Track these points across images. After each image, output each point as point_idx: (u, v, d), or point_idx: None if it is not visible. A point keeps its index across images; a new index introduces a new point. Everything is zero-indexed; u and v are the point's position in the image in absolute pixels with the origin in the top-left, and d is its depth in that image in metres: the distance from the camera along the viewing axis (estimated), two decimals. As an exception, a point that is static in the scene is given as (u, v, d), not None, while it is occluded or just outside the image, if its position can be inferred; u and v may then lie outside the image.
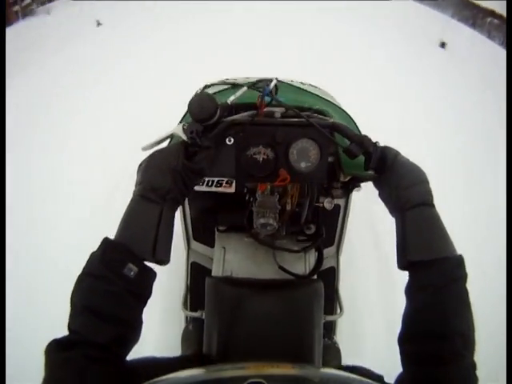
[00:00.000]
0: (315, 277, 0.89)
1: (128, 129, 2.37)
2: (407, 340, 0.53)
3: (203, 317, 0.89)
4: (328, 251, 1.10)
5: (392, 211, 0.60)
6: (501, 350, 1.21)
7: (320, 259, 0.90)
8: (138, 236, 0.51)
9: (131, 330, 0.49)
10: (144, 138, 0.66)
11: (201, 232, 1.11)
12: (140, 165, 0.58)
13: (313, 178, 0.70)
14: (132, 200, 0.54)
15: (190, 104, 0.58)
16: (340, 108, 0.94)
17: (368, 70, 3.60)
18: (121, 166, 1.94)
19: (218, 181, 0.74)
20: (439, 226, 0.56)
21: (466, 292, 0.53)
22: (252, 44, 4.11)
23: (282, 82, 0.93)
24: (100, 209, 1.81)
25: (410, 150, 0.72)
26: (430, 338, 0.50)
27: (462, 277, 0.53)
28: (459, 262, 0.54)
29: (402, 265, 0.56)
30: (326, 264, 1.07)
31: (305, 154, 0.67)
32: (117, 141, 2.29)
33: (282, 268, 0.85)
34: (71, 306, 0.47)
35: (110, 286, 0.47)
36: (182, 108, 0.81)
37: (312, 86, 1.21)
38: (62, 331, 0.45)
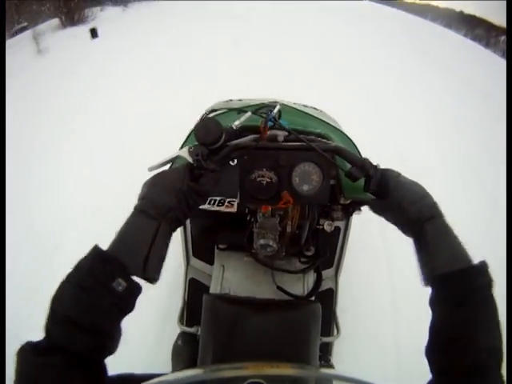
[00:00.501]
0: (313, 298, 0.90)
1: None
2: (433, 351, 0.54)
3: (198, 333, 0.91)
4: (327, 273, 1.11)
5: (406, 230, 0.61)
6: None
7: (318, 281, 0.91)
8: (131, 250, 0.52)
9: (111, 340, 0.49)
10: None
11: (201, 249, 1.13)
12: (145, 183, 0.59)
13: (315, 201, 0.73)
14: (131, 214, 0.55)
15: (196, 128, 0.60)
16: (341, 131, 0.97)
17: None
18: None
19: (221, 200, 0.77)
20: (455, 236, 0.58)
21: (492, 300, 0.54)
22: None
23: (286, 106, 0.97)
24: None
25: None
26: (456, 351, 0.51)
27: (488, 284, 0.54)
28: (483, 268, 0.55)
29: (428, 280, 0.57)
30: (325, 285, 1.09)
31: (307, 177, 0.69)
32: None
33: (280, 288, 0.87)
34: (51, 310, 0.47)
35: (97, 300, 0.47)
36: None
37: (314, 108, 1.25)
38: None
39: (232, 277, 0.92)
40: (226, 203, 0.79)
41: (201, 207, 0.74)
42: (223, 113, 0.92)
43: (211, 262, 1.00)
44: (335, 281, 1.14)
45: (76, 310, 0.47)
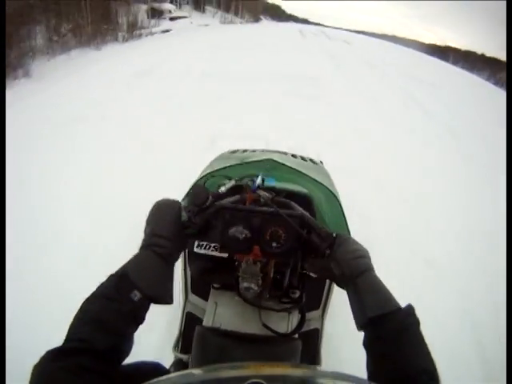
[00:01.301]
0: (297, 336, 0.97)
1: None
2: None
3: (189, 360, 1.00)
4: (313, 314, 1.19)
5: (342, 282, 0.73)
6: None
7: (302, 320, 0.99)
8: (145, 279, 0.65)
9: (126, 343, 0.60)
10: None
11: (198, 287, 1.26)
12: (150, 218, 0.76)
13: (280, 257, 0.85)
14: (141, 248, 0.72)
15: (190, 192, 0.80)
16: (328, 189, 1.11)
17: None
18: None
19: (215, 246, 0.91)
20: (384, 286, 0.68)
21: (421, 335, 0.61)
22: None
23: (278, 163, 1.13)
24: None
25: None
26: (397, 382, 0.56)
27: (415, 322, 0.62)
28: (410, 310, 0.63)
29: (361, 324, 0.66)
30: (311, 325, 1.16)
31: (275, 237, 0.82)
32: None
33: (265, 325, 0.95)
34: (76, 320, 0.58)
35: (119, 307, 0.60)
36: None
37: (312, 161, 1.39)
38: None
39: (223, 313, 1.02)
40: (219, 249, 0.92)
41: (199, 252, 0.91)
42: (218, 174, 1.10)
43: (207, 299, 1.11)
44: (321, 321, 1.20)
45: (101, 313, 0.58)
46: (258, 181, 0.89)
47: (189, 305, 1.28)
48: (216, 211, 0.82)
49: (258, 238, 0.83)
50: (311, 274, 0.92)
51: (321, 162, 2.00)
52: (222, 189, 0.86)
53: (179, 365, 1.11)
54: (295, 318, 1.01)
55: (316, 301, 1.20)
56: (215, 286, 1.09)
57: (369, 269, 0.71)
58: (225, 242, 0.84)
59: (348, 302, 0.70)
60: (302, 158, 1.55)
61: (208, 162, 1.53)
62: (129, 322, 0.61)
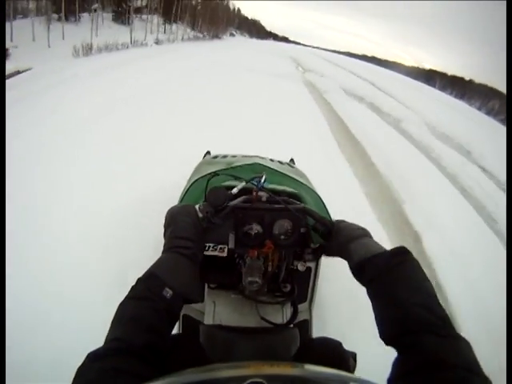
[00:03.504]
0: (292, 326, 1.13)
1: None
2: (383, 333, 0.65)
3: None
4: (302, 306, 1.36)
5: (340, 254, 0.87)
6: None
7: (295, 311, 1.15)
8: (170, 274, 0.71)
9: (163, 341, 0.62)
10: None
11: None
12: (169, 220, 0.85)
13: (288, 247, 1.05)
14: (165, 250, 0.78)
15: (209, 193, 0.91)
16: (311, 189, 1.34)
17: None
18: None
19: (214, 246, 1.03)
20: (375, 243, 0.81)
21: (415, 273, 0.68)
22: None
23: (266, 167, 1.35)
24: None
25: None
26: (397, 321, 0.62)
27: (406, 261, 0.70)
28: (399, 251, 0.72)
29: (354, 271, 0.78)
30: (301, 317, 1.32)
31: (283, 229, 1.03)
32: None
33: (263, 318, 1.11)
34: (112, 322, 0.62)
35: (152, 303, 0.64)
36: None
37: (289, 165, 1.71)
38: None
39: (222, 311, 1.17)
40: (218, 249, 1.04)
41: (208, 254, 1.01)
42: (224, 174, 1.21)
43: (201, 300, 1.24)
44: (309, 313, 1.38)
45: (137, 313, 0.63)
46: (263, 180, 1.02)
47: (184, 307, 1.41)
48: (231, 211, 0.96)
49: (269, 233, 1.02)
50: (299, 269, 1.11)
51: (291, 161, 2.25)
52: (235, 190, 0.97)
53: None
54: (288, 309, 1.20)
55: (303, 294, 1.38)
56: (211, 286, 1.23)
57: (364, 235, 0.84)
58: (239, 239, 1.02)
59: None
60: (280, 162, 1.78)
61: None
62: (163, 319, 0.65)
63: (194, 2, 30.47)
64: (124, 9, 20.36)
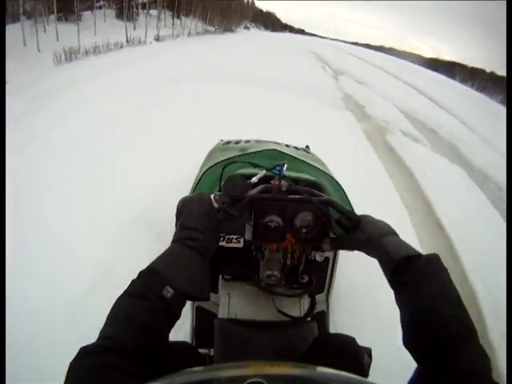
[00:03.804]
0: (309, 319, 1.10)
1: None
2: (409, 340, 0.64)
3: (211, 353, 1.09)
4: (319, 297, 1.33)
5: (369, 247, 0.82)
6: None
7: (312, 304, 1.12)
8: (174, 270, 0.66)
9: (159, 343, 0.59)
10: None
11: None
12: (182, 209, 0.79)
13: (311, 241, 1.00)
14: (174, 242, 0.72)
15: (226, 183, 0.83)
16: (331, 177, 1.28)
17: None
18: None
19: (229, 237, 1.01)
20: (408, 244, 0.76)
21: (447, 283, 0.66)
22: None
23: (284, 154, 1.28)
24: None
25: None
26: (428, 329, 0.61)
27: (440, 270, 0.68)
28: (434, 258, 0.69)
29: (389, 270, 0.73)
30: (318, 308, 1.30)
31: (305, 222, 0.97)
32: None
33: (280, 311, 1.07)
34: (107, 318, 0.59)
35: (150, 303, 0.60)
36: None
37: (305, 150, 1.64)
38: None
39: (237, 303, 1.14)
40: (233, 240, 1.02)
41: (223, 245, 0.99)
42: (240, 162, 1.16)
43: (215, 291, 1.23)
44: (327, 304, 1.36)
45: (132, 311, 0.59)
46: (284, 169, 0.95)
47: None
48: (249, 202, 0.89)
49: (290, 226, 0.96)
50: (317, 259, 1.06)
51: (307, 147, 2.19)
52: (254, 179, 0.90)
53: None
54: (305, 301, 1.16)
55: (320, 284, 1.35)
56: (226, 277, 1.20)
57: (393, 233, 0.81)
58: (258, 232, 0.96)
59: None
60: (296, 148, 1.71)
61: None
62: (160, 320, 0.61)
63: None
64: (127, 4, 18.45)
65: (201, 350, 1.09)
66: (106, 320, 0.59)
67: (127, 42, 14.34)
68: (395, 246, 0.76)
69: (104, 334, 0.56)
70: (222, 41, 22.00)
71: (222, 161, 1.24)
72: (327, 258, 1.28)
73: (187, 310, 1.42)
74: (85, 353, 0.53)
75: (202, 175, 1.23)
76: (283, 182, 0.96)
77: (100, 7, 18.21)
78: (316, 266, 1.14)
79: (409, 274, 0.69)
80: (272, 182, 0.96)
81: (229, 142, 1.80)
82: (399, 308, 0.68)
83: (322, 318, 1.34)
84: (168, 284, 0.62)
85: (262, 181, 0.94)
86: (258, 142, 1.66)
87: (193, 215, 0.76)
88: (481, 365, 0.56)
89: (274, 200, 0.96)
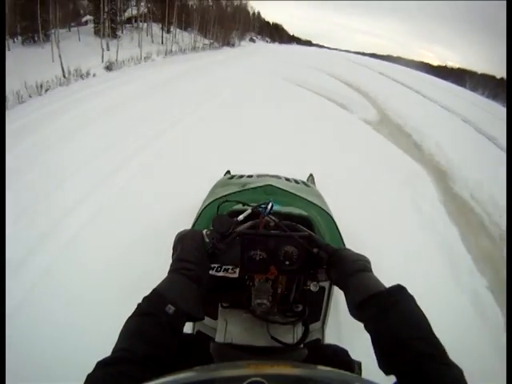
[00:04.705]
0: (302, 346, 1.14)
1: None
2: (382, 362, 0.68)
3: None
4: (314, 325, 1.38)
5: (339, 285, 0.90)
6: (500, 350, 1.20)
7: (306, 331, 1.17)
8: (173, 292, 0.77)
9: (166, 354, 0.67)
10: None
11: (207, 307, 1.44)
12: (178, 242, 0.94)
13: (293, 273, 1.08)
14: (171, 271, 0.85)
15: (214, 221, 0.98)
16: (323, 210, 1.35)
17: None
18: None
19: (225, 268, 1.08)
20: (376, 280, 0.82)
21: (413, 310, 0.71)
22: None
23: (279, 189, 1.37)
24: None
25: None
26: (397, 353, 0.64)
27: (404, 299, 0.73)
28: (397, 289, 0.75)
29: (352, 311, 0.80)
30: (313, 336, 1.35)
31: (288, 256, 1.05)
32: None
33: (273, 338, 1.13)
34: (119, 336, 0.67)
35: (155, 318, 0.70)
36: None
37: (305, 184, 1.68)
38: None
39: (234, 329, 1.20)
40: (229, 270, 1.08)
41: (216, 275, 1.04)
42: (232, 199, 1.30)
43: (215, 317, 1.30)
44: (322, 332, 1.40)
45: (141, 327, 0.69)
46: (269, 207, 1.10)
47: (198, 324, 1.49)
48: (237, 237, 1.04)
49: (274, 259, 1.05)
50: (311, 289, 1.13)
51: (311, 176, 2.23)
52: (240, 217, 1.06)
53: None
54: (299, 329, 1.21)
55: (316, 313, 1.40)
56: (224, 304, 1.27)
57: (362, 269, 0.87)
58: (245, 264, 1.06)
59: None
60: (295, 181, 1.81)
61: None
62: (166, 332, 0.70)
63: (192, 3, 24.77)
64: (104, 18, 14.78)
65: None
66: (118, 338, 0.67)
67: (64, 76, 10.02)
68: (360, 285, 0.82)
69: (117, 348, 0.64)
70: (212, 59, 18.38)
71: (217, 198, 1.37)
72: (322, 288, 1.33)
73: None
74: (101, 365, 0.59)
75: (202, 211, 1.36)
76: (267, 219, 1.09)
77: (86, 22, 16.05)
78: (311, 295, 1.19)
79: (371, 310, 0.74)
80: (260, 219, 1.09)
81: (232, 177, 1.94)
82: (370, 334, 0.73)
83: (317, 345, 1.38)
84: (169, 303, 0.73)
85: (252, 217, 1.10)
86: (259, 176, 1.79)
87: (186, 249, 0.90)
88: (451, 376, 0.59)
89: (257, 235, 1.06)
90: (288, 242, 1.05)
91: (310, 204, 1.38)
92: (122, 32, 16.28)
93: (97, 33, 15.17)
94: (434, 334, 0.67)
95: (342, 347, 1.00)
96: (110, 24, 14.66)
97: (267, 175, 1.78)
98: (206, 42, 24.97)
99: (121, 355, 0.62)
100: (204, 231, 0.97)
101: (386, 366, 0.67)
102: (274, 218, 1.10)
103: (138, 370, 0.59)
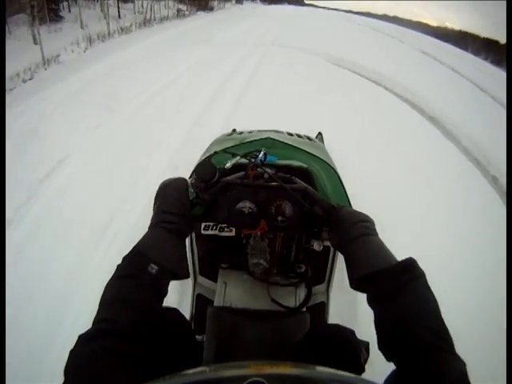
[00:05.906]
0: (304, 309, 1.11)
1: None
2: (384, 346, 0.66)
3: (204, 340, 1.14)
4: (319, 288, 1.34)
5: (339, 250, 0.85)
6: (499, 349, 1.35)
7: (308, 294, 1.12)
8: (155, 250, 0.74)
9: (151, 319, 0.65)
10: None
11: (206, 268, 1.41)
12: (159, 194, 0.88)
13: (286, 230, 1.00)
14: (151, 226, 0.81)
15: (197, 167, 0.92)
16: (327, 163, 1.26)
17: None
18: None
19: (221, 226, 1.02)
20: (381, 247, 0.76)
21: (423, 291, 0.67)
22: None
23: (277, 141, 1.28)
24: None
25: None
26: (402, 341, 0.62)
27: (415, 277, 0.68)
28: (408, 265, 0.69)
29: (353, 284, 0.76)
30: (317, 299, 1.31)
31: (280, 211, 0.98)
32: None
33: (274, 301, 1.08)
34: (100, 304, 0.64)
35: (138, 281, 0.66)
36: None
37: (309, 138, 1.56)
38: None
39: (233, 292, 1.16)
40: (225, 229, 1.03)
41: (207, 233, 1.00)
42: (223, 152, 1.22)
43: (215, 280, 1.25)
44: (327, 295, 1.36)
45: (123, 291, 0.66)
46: (261, 156, 1.02)
47: (198, 287, 1.45)
48: (223, 187, 0.96)
49: (264, 213, 0.98)
50: (315, 248, 1.07)
51: (319, 134, 2.14)
52: (228, 164, 0.98)
53: None
54: (302, 292, 1.17)
55: (321, 275, 1.35)
56: (223, 266, 1.22)
57: (366, 233, 0.80)
58: (232, 217, 0.99)
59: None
60: (298, 136, 1.72)
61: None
62: (150, 295, 0.68)
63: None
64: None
65: (198, 337, 1.12)
66: (99, 305, 0.65)
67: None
68: (364, 255, 0.76)
69: (99, 317, 0.62)
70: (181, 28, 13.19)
71: (210, 154, 1.32)
72: (327, 248, 1.27)
73: (188, 298, 1.47)
74: (84, 339, 0.57)
75: (194, 171, 1.27)
76: (265, 169, 1.00)
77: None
78: (315, 256, 1.14)
79: (379, 289, 0.70)
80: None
81: (231, 134, 1.86)
82: (373, 312, 0.70)
83: (321, 309, 1.35)
84: (152, 262, 0.70)
85: (246, 169, 1.01)
86: (259, 131, 1.71)
87: (169, 200, 0.85)
88: (457, 370, 0.57)
89: (245, 186, 0.99)
90: (282, 195, 0.97)
91: (312, 157, 1.30)
92: (70, 11, 11.90)
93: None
94: (442, 321, 0.64)
95: (347, 328, 0.95)
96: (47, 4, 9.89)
97: (269, 130, 1.70)
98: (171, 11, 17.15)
99: (103, 327, 0.60)
100: (189, 180, 0.91)
101: (387, 351, 0.66)
102: (268, 169, 1.01)
103: (123, 343, 0.58)
